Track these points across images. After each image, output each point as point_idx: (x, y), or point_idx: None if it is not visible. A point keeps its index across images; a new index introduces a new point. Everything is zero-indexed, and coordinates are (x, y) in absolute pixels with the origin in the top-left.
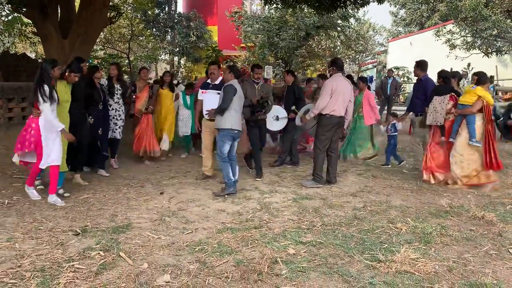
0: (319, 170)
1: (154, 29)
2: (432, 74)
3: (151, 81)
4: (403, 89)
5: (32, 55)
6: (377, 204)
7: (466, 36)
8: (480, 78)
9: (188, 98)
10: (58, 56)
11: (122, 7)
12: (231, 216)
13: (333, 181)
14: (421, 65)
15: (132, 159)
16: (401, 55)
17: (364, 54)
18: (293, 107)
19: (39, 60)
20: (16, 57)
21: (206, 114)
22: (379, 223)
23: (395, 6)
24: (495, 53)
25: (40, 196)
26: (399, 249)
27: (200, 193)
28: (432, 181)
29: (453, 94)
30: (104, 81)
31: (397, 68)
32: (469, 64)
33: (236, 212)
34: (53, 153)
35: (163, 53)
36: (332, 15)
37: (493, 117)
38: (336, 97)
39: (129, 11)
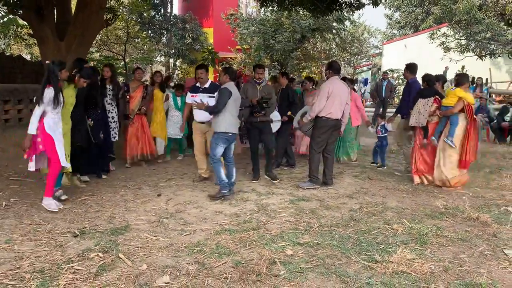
0: (315, 171)
1: (149, 31)
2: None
3: (148, 82)
4: (398, 91)
5: (28, 57)
6: (373, 205)
7: (460, 39)
8: (459, 80)
9: (178, 99)
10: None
11: (118, 10)
12: (229, 217)
13: (330, 182)
14: (410, 68)
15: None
16: (396, 57)
17: (359, 57)
18: (289, 113)
19: (47, 62)
20: (12, 59)
21: (196, 109)
22: (376, 224)
23: (390, 9)
24: (488, 56)
25: (59, 207)
26: (395, 249)
27: (197, 195)
28: (426, 182)
29: (437, 97)
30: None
31: (392, 71)
32: (463, 67)
33: (233, 214)
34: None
35: (159, 55)
36: (327, 17)
37: (487, 119)
38: (332, 100)
39: (125, 13)
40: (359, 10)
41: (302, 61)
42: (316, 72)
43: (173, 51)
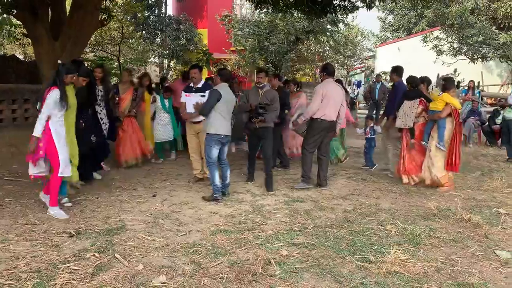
0: (307, 171)
1: (144, 32)
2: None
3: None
4: None
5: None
6: (367, 206)
7: (453, 42)
8: (446, 84)
9: (166, 101)
10: (49, 58)
11: (113, 10)
12: (224, 218)
13: (324, 184)
14: (397, 71)
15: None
16: (389, 60)
17: (352, 59)
18: (286, 111)
19: (59, 62)
20: (5, 58)
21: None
22: (369, 225)
23: (383, 12)
24: (480, 59)
25: (68, 215)
26: (389, 250)
27: (192, 195)
28: (412, 183)
29: (423, 99)
30: None
31: (385, 73)
32: (455, 70)
33: (229, 215)
34: (66, 163)
35: (153, 56)
36: (321, 20)
37: (478, 122)
38: (327, 102)
39: (120, 13)
40: (353, 12)
41: (296, 63)
42: (310, 74)
43: (167, 52)
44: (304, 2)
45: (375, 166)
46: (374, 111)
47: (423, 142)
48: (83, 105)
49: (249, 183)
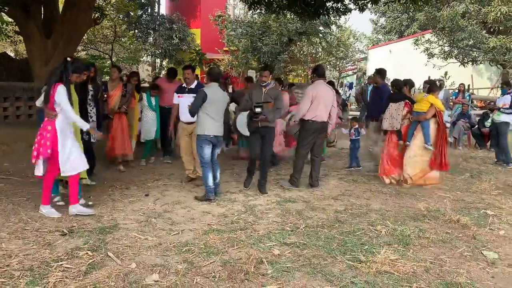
0: (297, 173)
1: (136, 31)
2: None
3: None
4: None
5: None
6: (358, 207)
7: (444, 46)
8: (431, 87)
9: (153, 99)
10: (40, 56)
11: (106, 9)
12: (217, 218)
13: (316, 184)
14: (380, 73)
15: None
16: (381, 62)
17: (344, 61)
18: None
19: (68, 59)
20: None
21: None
22: (360, 225)
23: (376, 14)
24: (471, 63)
25: (60, 214)
26: (379, 250)
27: (185, 195)
28: (393, 182)
29: (407, 101)
30: None
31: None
32: (446, 73)
33: (221, 214)
34: (75, 161)
35: (145, 55)
36: (314, 22)
37: (468, 125)
38: (317, 103)
39: (112, 12)
40: (346, 15)
41: (289, 64)
42: (303, 75)
43: (159, 51)
44: (297, 3)
45: (360, 168)
46: (366, 113)
47: (406, 143)
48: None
49: (245, 188)
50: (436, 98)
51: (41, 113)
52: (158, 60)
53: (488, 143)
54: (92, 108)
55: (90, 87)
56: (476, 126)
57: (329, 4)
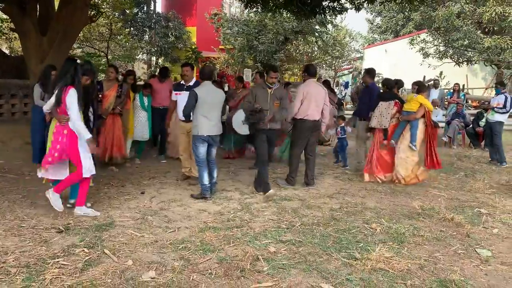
0: (293, 172)
1: (132, 29)
2: (408, 81)
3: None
4: None
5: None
6: (353, 205)
7: (439, 46)
8: (419, 88)
9: (145, 99)
10: (36, 53)
11: (102, 6)
12: (213, 215)
13: (311, 183)
14: (370, 73)
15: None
16: (377, 62)
17: (340, 60)
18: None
19: (79, 62)
20: None
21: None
22: (355, 223)
23: (372, 14)
24: (466, 63)
25: (98, 212)
26: (374, 248)
27: (181, 193)
28: (379, 181)
29: (397, 101)
30: None
31: None
32: (441, 73)
33: (217, 212)
34: (91, 163)
35: (141, 53)
36: (310, 21)
37: (463, 124)
38: (308, 102)
39: (108, 9)
40: (342, 14)
41: (285, 63)
42: (299, 74)
43: (155, 49)
44: (293, 2)
45: (346, 167)
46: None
47: (392, 141)
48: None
49: (261, 194)
50: (425, 98)
51: (36, 112)
52: (153, 58)
53: (483, 143)
54: (88, 108)
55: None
56: (471, 125)
57: (325, 3)
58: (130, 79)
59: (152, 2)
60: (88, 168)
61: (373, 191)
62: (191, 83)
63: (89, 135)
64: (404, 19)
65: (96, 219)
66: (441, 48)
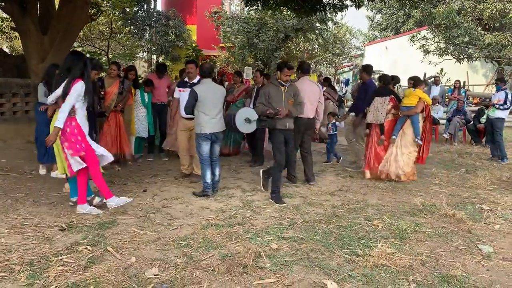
0: (292, 170)
1: (132, 27)
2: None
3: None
4: None
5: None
6: (355, 202)
7: (440, 42)
8: (416, 82)
9: (146, 95)
10: (37, 52)
11: (102, 5)
12: (215, 213)
13: (312, 179)
14: (367, 69)
15: None
16: (377, 59)
17: (341, 57)
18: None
19: (88, 56)
20: None
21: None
22: (357, 220)
23: (372, 11)
24: (466, 59)
25: (101, 211)
26: (376, 244)
27: (182, 190)
28: (373, 178)
29: (393, 96)
30: None
31: (373, 72)
32: (441, 70)
33: (219, 209)
34: (104, 151)
35: (141, 51)
36: (311, 18)
37: (464, 121)
38: None
39: (108, 8)
40: (342, 11)
41: (286, 60)
42: None
43: (156, 47)
44: (293, 0)
45: (340, 158)
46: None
47: (393, 137)
48: None
49: (280, 205)
50: (423, 92)
51: (40, 112)
52: (154, 57)
53: (484, 139)
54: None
55: None
56: (472, 122)
57: (325, 0)
58: (131, 74)
59: (152, 0)
60: (106, 157)
61: (374, 188)
62: (195, 81)
63: (60, 125)
64: (405, 16)
65: (99, 217)
66: (442, 45)
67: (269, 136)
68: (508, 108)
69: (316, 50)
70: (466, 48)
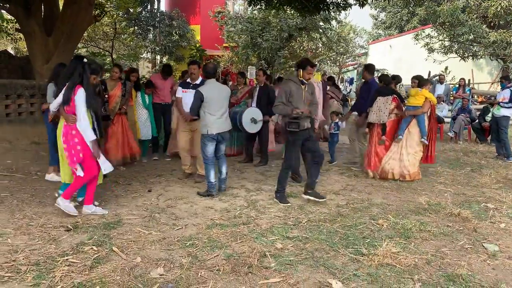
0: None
1: (136, 27)
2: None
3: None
4: None
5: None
6: (359, 201)
7: (444, 40)
8: (421, 82)
9: (146, 97)
10: (41, 54)
11: (106, 6)
12: (219, 213)
13: (299, 179)
14: (369, 69)
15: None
16: (381, 57)
17: (345, 56)
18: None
19: (85, 60)
20: None
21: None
22: (362, 219)
23: (376, 9)
24: (471, 57)
25: (106, 210)
26: (381, 243)
27: (187, 190)
28: (376, 177)
29: (395, 96)
30: None
31: (377, 71)
32: (446, 68)
33: (224, 209)
34: (104, 159)
35: (145, 52)
36: (314, 17)
37: (468, 119)
38: None
39: (112, 9)
40: (346, 10)
41: (289, 59)
42: None
43: (159, 48)
44: None
45: (334, 162)
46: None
47: (399, 136)
48: None
49: (284, 204)
50: (429, 91)
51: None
52: (158, 57)
53: (489, 138)
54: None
55: None
56: (477, 120)
57: None
58: (133, 76)
59: (156, 0)
60: (107, 165)
61: (379, 187)
62: (198, 81)
63: (93, 137)
64: (409, 14)
65: (104, 217)
66: (446, 43)
67: (286, 137)
68: None
69: (320, 49)
70: (471, 46)
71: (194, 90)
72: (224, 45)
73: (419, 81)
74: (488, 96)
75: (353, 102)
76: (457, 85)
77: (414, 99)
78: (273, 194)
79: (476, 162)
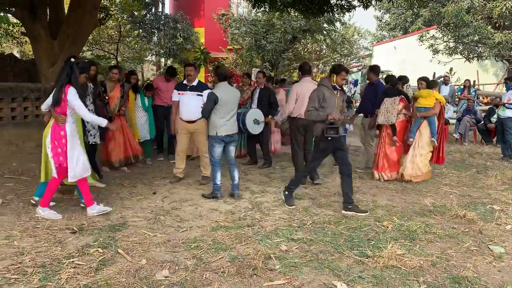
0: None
1: (140, 30)
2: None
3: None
4: None
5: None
6: (364, 203)
7: (449, 42)
8: (430, 84)
9: (146, 100)
10: (47, 57)
11: (111, 9)
12: (224, 215)
13: (316, 177)
14: (374, 70)
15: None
16: (386, 59)
17: (349, 58)
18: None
19: (72, 60)
20: (3, 57)
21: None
22: (367, 221)
23: (380, 11)
24: (476, 59)
25: (60, 214)
26: (386, 245)
27: (192, 193)
28: (385, 178)
29: (403, 96)
30: None
31: (381, 72)
32: (451, 69)
33: (228, 211)
34: (83, 166)
35: (150, 55)
36: (318, 19)
37: (474, 121)
38: (302, 101)
39: (117, 12)
40: (350, 11)
41: (293, 61)
42: None
43: (164, 50)
44: (301, 1)
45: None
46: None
47: (410, 139)
48: None
49: (289, 206)
50: (438, 93)
51: None
52: (162, 60)
53: (494, 139)
54: (92, 109)
55: (90, 84)
56: (482, 122)
57: (333, 1)
58: (133, 79)
59: (160, 3)
60: (78, 172)
61: (384, 189)
62: (195, 83)
63: (105, 121)
64: (413, 16)
65: (109, 219)
66: (451, 44)
67: (315, 143)
68: None
69: (324, 51)
70: (476, 47)
71: (191, 92)
72: (229, 47)
73: (427, 83)
74: (493, 97)
75: (357, 104)
76: (462, 86)
77: (426, 100)
78: (278, 196)
79: (481, 163)
